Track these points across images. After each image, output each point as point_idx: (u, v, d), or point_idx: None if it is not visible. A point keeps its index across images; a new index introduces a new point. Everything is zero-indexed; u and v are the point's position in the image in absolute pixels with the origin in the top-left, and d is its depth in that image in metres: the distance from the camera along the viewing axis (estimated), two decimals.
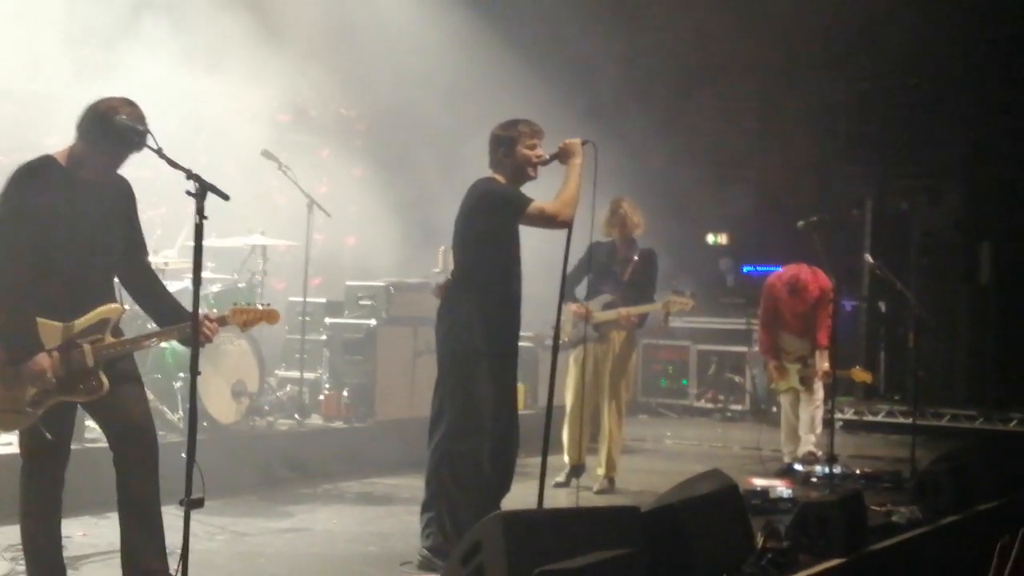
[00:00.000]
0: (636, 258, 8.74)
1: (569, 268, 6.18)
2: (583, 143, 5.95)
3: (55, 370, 4.79)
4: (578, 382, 8.60)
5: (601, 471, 8.67)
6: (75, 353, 4.85)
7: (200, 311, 4.84)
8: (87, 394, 4.91)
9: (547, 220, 5.96)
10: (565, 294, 8.37)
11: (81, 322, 4.87)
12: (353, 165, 12.49)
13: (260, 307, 5.41)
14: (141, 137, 4.79)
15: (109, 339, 4.92)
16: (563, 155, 5.98)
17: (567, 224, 5.87)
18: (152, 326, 5.67)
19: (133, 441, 4.99)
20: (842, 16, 13.83)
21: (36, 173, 4.81)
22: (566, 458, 8.70)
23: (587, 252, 8.32)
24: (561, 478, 8.58)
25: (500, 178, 6.10)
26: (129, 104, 4.88)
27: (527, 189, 6.15)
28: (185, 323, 4.93)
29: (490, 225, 6.00)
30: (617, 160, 11.22)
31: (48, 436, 4.90)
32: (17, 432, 5.08)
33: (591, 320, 8.52)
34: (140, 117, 4.85)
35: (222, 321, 5.18)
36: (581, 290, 8.72)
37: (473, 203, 6.06)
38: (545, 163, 6.07)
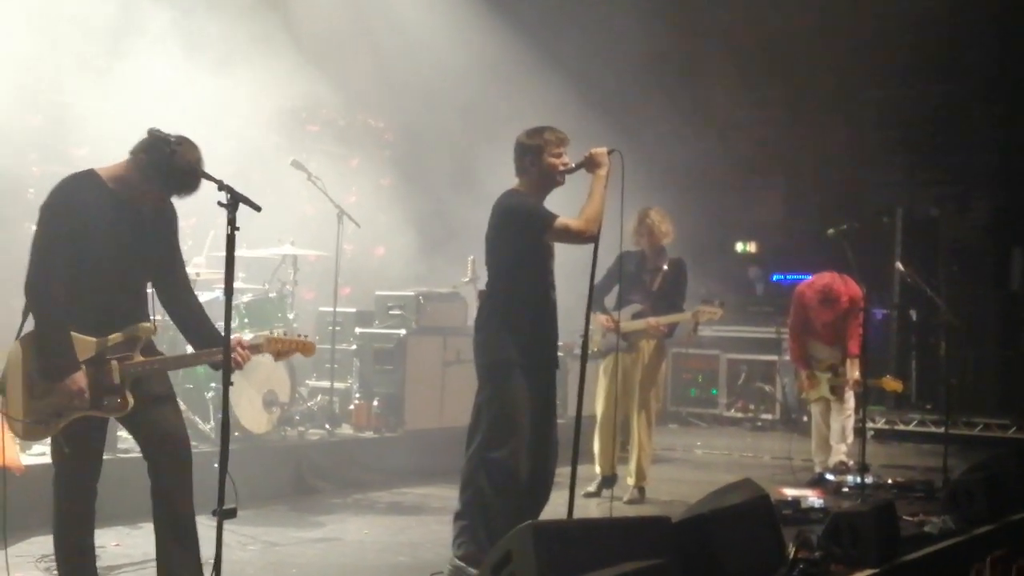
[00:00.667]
0: (665, 267, 8.74)
1: (598, 278, 6.17)
2: (609, 152, 5.94)
3: (85, 397, 4.82)
4: (608, 392, 8.60)
5: (631, 481, 8.66)
6: (103, 369, 4.89)
7: (233, 336, 4.87)
8: (111, 411, 4.95)
9: (573, 236, 5.95)
10: (594, 304, 8.43)
11: (113, 338, 4.92)
12: (382, 175, 12.55)
13: (297, 337, 5.45)
14: (196, 184, 4.88)
15: (138, 358, 4.97)
16: (589, 164, 5.96)
17: (593, 239, 5.86)
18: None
19: (166, 452, 5.02)
20: (872, 23, 13.79)
21: (77, 188, 4.86)
22: (597, 468, 8.70)
23: (616, 262, 8.35)
24: (592, 488, 8.59)
25: (525, 186, 6.10)
26: (195, 149, 4.95)
27: (553, 195, 6.15)
28: (217, 349, 4.96)
29: (517, 241, 6.00)
30: (645, 168, 11.27)
31: (65, 449, 4.95)
32: (50, 441, 5.07)
33: (620, 330, 8.53)
34: (200, 162, 4.91)
35: (256, 349, 5.21)
36: (610, 300, 8.72)
37: (499, 219, 6.06)
38: (571, 171, 6.07)
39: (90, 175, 4.92)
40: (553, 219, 5.95)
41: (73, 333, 4.84)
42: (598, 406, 8.74)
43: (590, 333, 8.62)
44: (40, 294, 4.82)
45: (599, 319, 8.56)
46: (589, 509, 7.98)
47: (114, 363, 4.90)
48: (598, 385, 8.76)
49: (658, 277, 8.73)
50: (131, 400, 4.93)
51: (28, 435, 5.01)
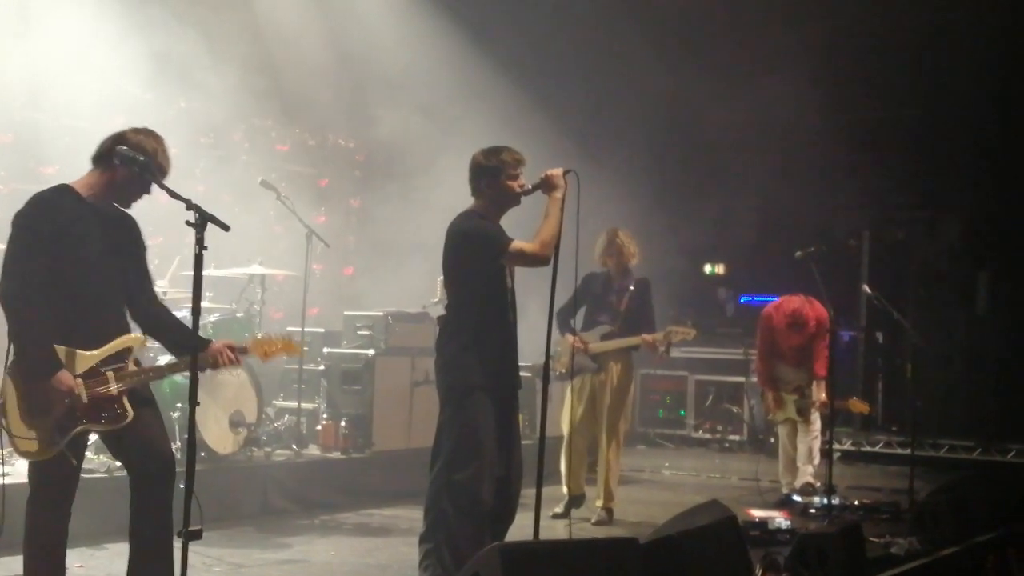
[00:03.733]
0: (632, 288, 8.75)
1: (560, 299, 6.16)
2: (566, 173, 5.94)
3: (79, 395, 4.81)
4: (574, 412, 8.60)
5: (600, 502, 8.65)
6: (99, 380, 4.87)
7: (222, 340, 5.03)
8: (112, 422, 4.91)
9: (528, 260, 5.94)
10: (561, 325, 8.50)
11: (104, 350, 4.91)
12: (351, 195, 12.55)
13: (282, 338, 5.53)
14: (141, 167, 4.89)
15: (131, 367, 4.97)
16: (545, 186, 5.94)
17: (547, 262, 5.83)
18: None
19: (154, 464, 4.99)
20: (845, 48, 13.91)
21: (51, 202, 4.88)
22: (564, 488, 8.68)
23: (582, 283, 8.42)
24: (560, 509, 8.56)
25: (482, 207, 6.08)
26: (140, 132, 5.02)
27: (509, 215, 6.15)
28: (207, 352, 5.08)
29: (474, 264, 5.97)
30: (613, 190, 11.33)
31: (74, 462, 4.95)
32: (28, 464, 5.03)
33: (589, 351, 8.55)
34: (144, 146, 4.96)
35: (243, 351, 5.26)
36: (577, 321, 8.75)
37: (455, 243, 6.04)
38: (528, 193, 6.05)
39: (62, 188, 4.95)
40: (508, 243, 5.94)
41: (65, 348, 4.82)
42: (564, 426, 8.70)
43: (558, 355, 8.72)
44: (16, 298, 4.79)
45: (568, 340, 8.57)
46: (556, 530, 7.96)
47: (110, 374, 4.89)
48: (565, 405, 8.74)
49: (625, 297, 8.73)
50: (130, 411, 4.91)
51: (34, 454, 4.90)
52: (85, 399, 4.83)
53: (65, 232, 4.84)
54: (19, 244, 4.81)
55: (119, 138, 5.00)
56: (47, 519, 5.07)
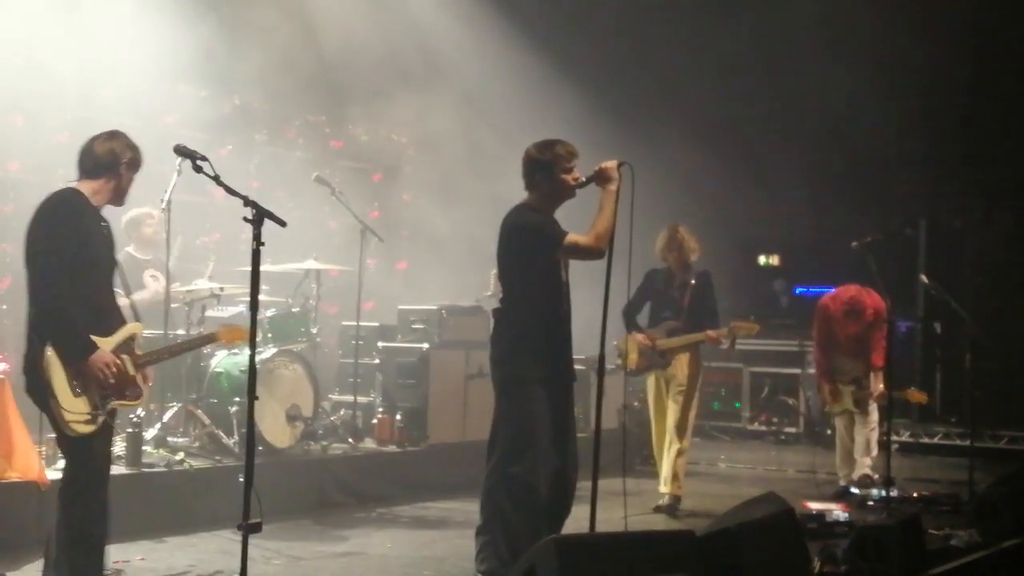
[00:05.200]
0: (693, 282, 8.77)
1: (617, 294, 6.14)
2: (619, 165, 5.93)
3: (124, 368, 5.26)
4: (656, 410, 8.80)
5: (665, 488, 8.68)
6: (120, 363, 5.26)
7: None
8: (133, 399, 5.45)
9: (582, 253, 5.95)
10: (627, 323, 8.61)
11: (116, 338, 5.29)
12: (404, 190, 12.59)
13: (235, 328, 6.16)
14: (114, 165, 5.33)
15: (137, 352, 5.46)
16: (599, 178, 5.95)
17: (602, 255, 5.84)
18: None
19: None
20: (897, 35, 13.75)
21: (74, 204, 5.24)
22: (664, 487, 8.70)
23: (644, 280, 8.64)
24: (663, 502, 8.65)
25: (535, 201, 6.09)
26: (114, 137, 5.40)
27: (563, 208, 6.16)
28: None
29: (528, 258, 5.99)
30: (665, 180, 11.29)
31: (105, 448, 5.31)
32: (74, 455, 5.24)
33: (656, 348, 8.60)
34: (131, 146, 5.42)
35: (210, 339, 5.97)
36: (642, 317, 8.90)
37: (509, 237, 6.06)
38: (582, 186, 6.05)
39: (78, 191, 5.30)
40: (562, 236, 5.95)
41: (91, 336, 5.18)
42: (653, 426, 8.91)
43: (625, 352, 8.79)
44: (54, 285, 5.11)
45: (636, 338, 8.71)
46: (612, 523, 7.94)
47: (125, 357, 5.33)
48: (650, 404, 8.94)
49: (688, 292, 8.75)
50: (144, 389, 5.47)
51: (84, 429, 5.16)
52: (131, 370, 5.33)
53: (88, 232, 5.23)
54: (53, 240, 5.13)
55: (100, 145, 5.37)
56: (97, 510, 5.23)
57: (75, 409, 5.09)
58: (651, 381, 8.86)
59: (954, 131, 14.29)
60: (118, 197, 5.45)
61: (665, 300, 8.81)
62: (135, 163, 5.42)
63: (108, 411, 5.22)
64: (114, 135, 5.41)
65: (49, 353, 5.04)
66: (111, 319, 5.36)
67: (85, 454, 5.18)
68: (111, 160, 5.33)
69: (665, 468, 8.73)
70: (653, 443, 8.95)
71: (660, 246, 8.80)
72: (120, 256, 8.69)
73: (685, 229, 8.80)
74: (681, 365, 8.72)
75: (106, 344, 5.22)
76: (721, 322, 8.80)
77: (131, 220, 8.83)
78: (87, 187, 5.33)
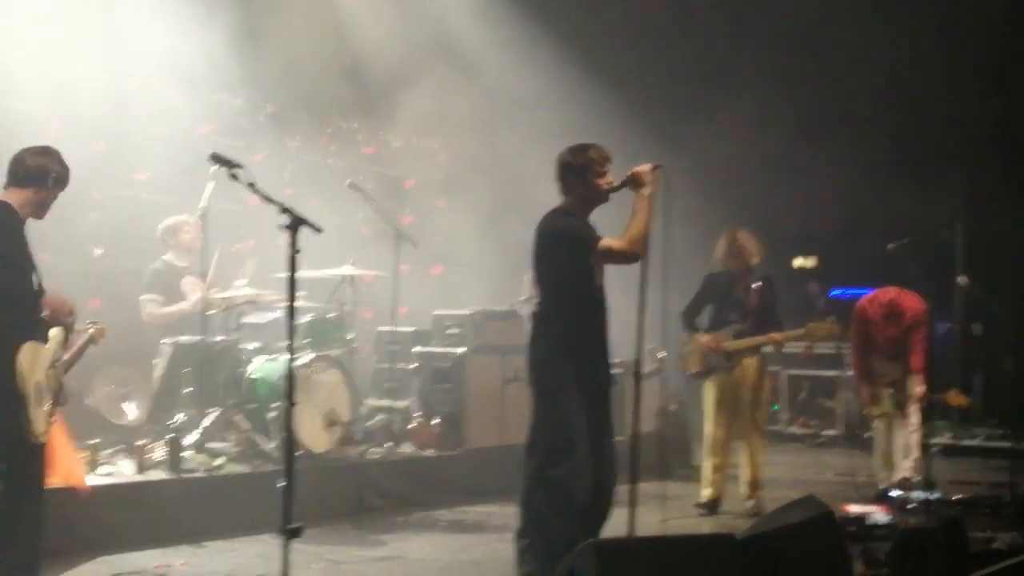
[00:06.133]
0: (756, 285, 8.79)
1: (654, 297, 6.12)
2: (654, 169, 5.93)
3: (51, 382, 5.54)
4: (716, 412, 8.76)
5: (745, 491, 8.75)
6: (58, 369, 5.61)
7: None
8: (63, 403, 5.81)
9: (617, 257, 5.96)
10: (687, 325, 8.69)
11: (51, 346, 5.57)
12: (437, 196, 12.62)
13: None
14: (44, 177, 5.53)
15: (66, 357, 5.78)
16: (633, 182, 5.94)
17: (636, 259, 5.85)
18: None
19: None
20: (934, 34, 13.66)
21: (13, 216, 5.46)
22: (707, 491, 8.75)
23: (705, 283, 8.77)
24: (703, 500, 8.72)
25: (570, 205, 6.09)
26: (43, 152, 5.61)
27: (597, 212, 6.15)
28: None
29: (563, 263, 5.99)
30: (698, 183, 11.25)
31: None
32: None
33: (723, 350, 8.59)
34: (62, 162, 5.64)
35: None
36: (703, 320, 8.94)
37: (544, 242, 6.06)
38: (615, 190, 6.05)
39: (9, 204, 5.49)
40: (596, 241, 5.94)
41: (35, 344, 5.41)
42: (706, 428, 8.87)
43: (687, 354, 8.78)
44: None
45: (700, 340, 8.73)
46: (651, 527, 7.93)
47: (57, 364, 5.63)
48: (705, 406, 8.88)
49: (752, 295, 8.75)
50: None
51: (43, 439, 5.48)
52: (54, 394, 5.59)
53: (24, 243, 5.50)
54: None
55: (32, 158, 5.58)
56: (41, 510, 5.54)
57: (39, 417, 5.35)
58: (711, 384, 8.82)
59: (992, 132, 14.18)
60: (40, 210, 5.61)
61: (730, 303, 8.82)
62: (62, 180, 5.61)
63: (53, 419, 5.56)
64: (47, 151, 5.62)
65: (20, 361, 5.26)
66: (39, 325, 5.53)
67: (39, 462, 5.49)
68: (41, 173, 5.52)
69: (746, 474, 8.78)
70: (706, 447, 8.87)
71: (720, 254, 8.82)
72: (157, 264, 8.84)
73: (744, 234, 8.83)
74: (751, 368, 8.76)
75: (45, 354, 5.43)
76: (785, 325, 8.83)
77: (168, 228, 8.90)
78: (13, 196, 5.50)
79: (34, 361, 5.35)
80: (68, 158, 9.15)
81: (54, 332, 5.56)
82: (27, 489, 5.40)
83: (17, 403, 5.25)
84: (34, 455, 5.42)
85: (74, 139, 9.36)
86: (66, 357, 5.72)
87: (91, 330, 6.45)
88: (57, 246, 9.23)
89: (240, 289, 8.50)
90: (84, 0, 9.47)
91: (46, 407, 5.41)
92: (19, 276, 5.41)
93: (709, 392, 8.85)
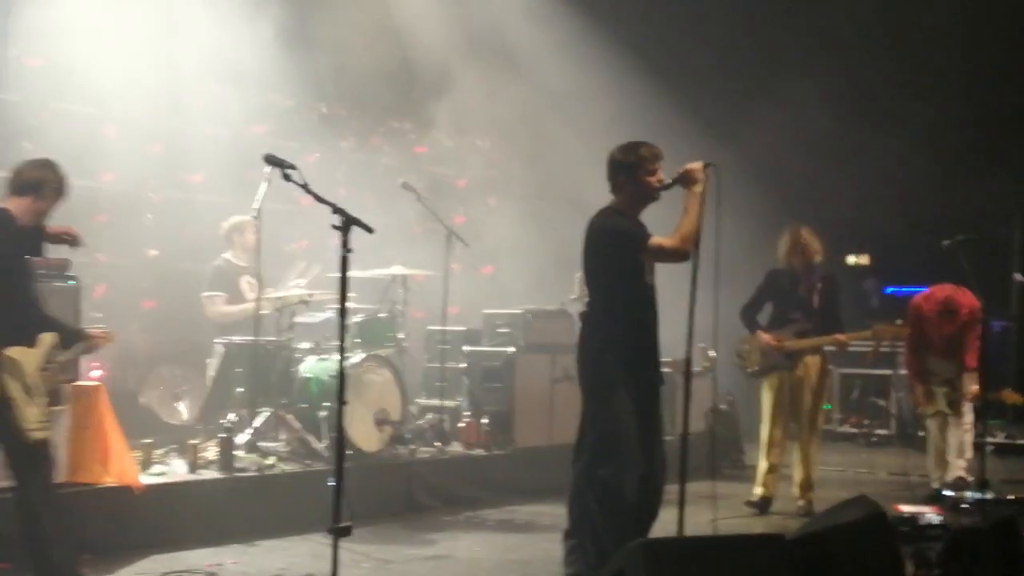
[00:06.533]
0: (819, 284, 8.72)
1: (704, 295, 6.10)
2: (705, 167, 5.91)
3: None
4: (775, 413, 8.73)
5: (798, 492, 8.74)
6: (52, 372, 5.68)
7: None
8: (58, 404, 6.14)
9: (667, 255, 5.94)
10: (748, 323, 8.65)
11: (44, 349, 5.63)
12: (488, 195, 12.63)
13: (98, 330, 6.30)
14: (41, 187, 5.70)
15: (57, 360, 5.75)
16: (684, 180, 5.93)
17: (687, 258, 5.85)
18: None
19: None
20: (986, 28, 13.50)
21: (12, 223, 5.61)
22: (758, 489, 8.74)
23: (766, 280, 8.77)
24: (754, 498, 8.72)
25: (621, 203, 6.09)
26: (41, 165, 5.82)
27: (648, 211, 6.14)
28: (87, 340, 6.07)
29: (613, 262, 5.99)
30: (753, 181, 11.20)
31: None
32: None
33: (784, 348, 8.56)
34: (59, 173, 5.80)
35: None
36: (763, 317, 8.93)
37: (594, 241, 6.06)
38: (667, 188, 6.03)
39: (9, 211, 5.66)
40: (647, 239, 5.93)
41: (25, 348, 5.52)
42: (764, 427, 8.83)
43: (746, 352, 8.76)
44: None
45: (762, 338, 8.70)
46: (700, 527, 7.90)
47: (51, 365, 5.68)
48: (763, 405, 8.85)
49: (815, 294, 8.70)
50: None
51: (39, 436, 5.56)
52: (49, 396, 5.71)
53: (19, 251, 5.67)
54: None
55: (30, 170, 5.78)
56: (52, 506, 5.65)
57: (32, 416, 5.47)
58: (770, 383, 8.79)
59: None
60: (39, 218, 5.78)
61: (793, 301, 8.78)
62: (60, 191, 5.79)
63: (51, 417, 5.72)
64: (46, 163, 5.83)
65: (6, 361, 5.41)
66: (34, 330, 5.64)
67: (45, 457, 5.63)
68: (37, 184, 5.71)
69: (799, 474, 8.76)
70: (762, 445, 8.83)
71: (784, 250, 8.78)
72: (219, 262, 8.94)
73: (808, 231, 8.79)
74: (813, 367, 8.73)
75: (34, 357, 5.54)
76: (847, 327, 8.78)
77: (235, 226, 8.98)
78: (13, 204, 5.67)
79: (19, 365, 5.46)
80: (125, 159, 9.38)
81: (45, 336, 5.63)
82: (31, 484, 5.54)
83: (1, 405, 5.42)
84: (31, 452, 5.52)
85: (131, 140, 9.52)
86: (60, 358, 5.75)
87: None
88: (112, 247, 9.37)
89: (291, 289, 8.58)
90: (139, 1, 9.58)
91: (38, 406, 5.50)
92: (5, 279, 5.53)
93: (767, 391, 8.81)
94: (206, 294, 8.90)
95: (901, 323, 8.96)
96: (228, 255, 9.03)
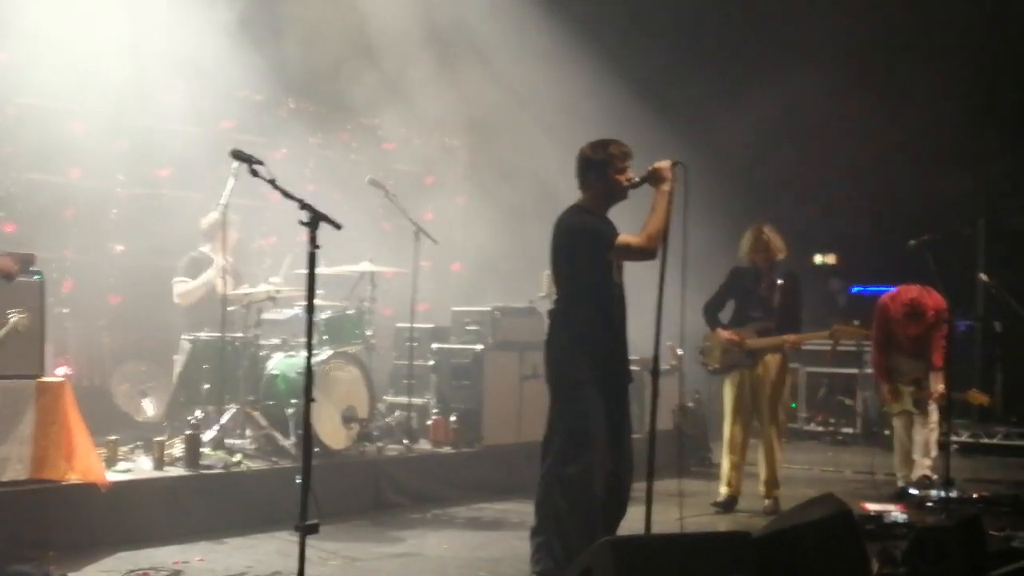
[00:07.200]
0: (780, 282, 8.76)
1: (671, 293, 6.12)
2: (673, 165, 5.92)
3: None
4: (736, 409, 8.77)
5: (764, 490, 8.77)
6: None
7: None
8: None
9: (634, 253, 5.94)
10: (710, 320, 8.66)
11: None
12: (457, 192, 12.62)
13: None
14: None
15: None
16: (653, 179, 5.94)
17: (654, 256, 5.85)
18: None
19: None
20: (951, 31, 13.60)
21: None
22: (724, 488, 8.77)
23: (729, 278, 8.77)
24: (720, 499, 8.73)
25: (589, 201, 6.10)
26: None
27: (616, 209, 6.15)
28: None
29: (581, 259, 5.99)
30: (720, 179, 11.24)
31: None
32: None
33: (745, 347, 8.58)
34: None
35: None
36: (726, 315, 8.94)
37: (561, 238, 6.06)
38: (635, 186, 6.04)
39: None
40: (614, 237, 5.94)
41: None
42: (725, 425, 8.86)
43: (708, 350, 8.79)
44: None
45: (721, 335, 8.72)
46: (667, 524, 7.92)
47: None
48: (725, 402, 8.89)
49: (776, 292, 8.74)
50: None
51: None
52: None
53: None
54: None
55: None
56: None
57: None
58: (732, 380, 8.82)
59: (1013, 128, 14.10)
60: None
61: (754, 300, 8.81)
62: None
63: None
64: None
65: None
66: None
67: None
68: None
69: (765, 472, 8.78)
70: (724, 443, 8.87)
71: (746, 248, 8.80)
72: (195, 253, 8.95)
73: (770, 229, 8.81)
74: (773, 365, 8.75)
75: None
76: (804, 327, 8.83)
77: (219, 222, 8.88)
78: None
79: None
80: (92, 155, 9.32)
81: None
82: None
83: None
84: None
85: (98, 136, 9.46)
86: None
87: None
88: (79, 243, 9.31)
89: (276, 286, 8.54)
90: None
91: None
92: None
93: (729, 389, 8.85)
94: (178, 279, 8.88)
95: (859, 324, 8.99)
96: (206, 248, 9.00)
